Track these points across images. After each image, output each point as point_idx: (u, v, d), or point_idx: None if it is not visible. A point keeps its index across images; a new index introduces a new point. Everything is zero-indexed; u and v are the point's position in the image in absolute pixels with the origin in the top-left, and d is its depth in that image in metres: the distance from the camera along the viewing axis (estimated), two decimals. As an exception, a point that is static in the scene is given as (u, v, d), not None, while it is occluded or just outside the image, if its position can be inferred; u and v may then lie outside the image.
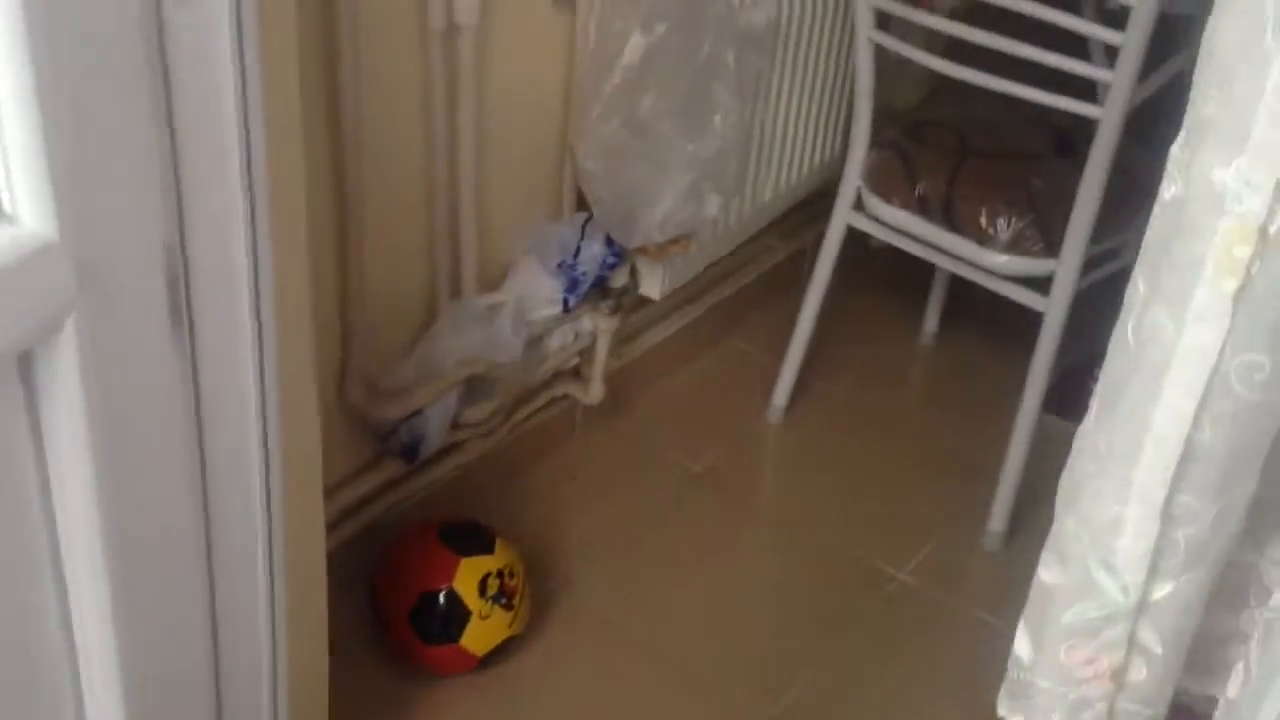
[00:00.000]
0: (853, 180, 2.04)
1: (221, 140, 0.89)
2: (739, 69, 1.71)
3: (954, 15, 1.86)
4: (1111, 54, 1.70)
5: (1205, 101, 0.87)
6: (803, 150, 2.20)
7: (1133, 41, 1.65)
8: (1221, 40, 0.85)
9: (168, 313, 0.90)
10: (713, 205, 1.71)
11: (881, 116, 2.01)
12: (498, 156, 1.77)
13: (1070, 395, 2.10)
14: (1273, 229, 0.85)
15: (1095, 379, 1.04)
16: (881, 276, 2.42)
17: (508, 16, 1.68)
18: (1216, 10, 0.86)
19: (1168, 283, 0.92)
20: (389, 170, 1.65)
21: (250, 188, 0.93)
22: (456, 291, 1.83)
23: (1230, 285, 0.87)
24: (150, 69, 0.82)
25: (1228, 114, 0.85)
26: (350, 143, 1.55)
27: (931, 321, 2.44)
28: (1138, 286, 0.97)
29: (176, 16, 0.82)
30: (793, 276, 2.44)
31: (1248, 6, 0.82)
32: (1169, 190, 0.92)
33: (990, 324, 2.31)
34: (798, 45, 2.06)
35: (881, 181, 2.00)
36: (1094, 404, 1.03)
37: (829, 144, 2.28)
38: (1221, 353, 0.90)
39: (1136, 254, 2.08)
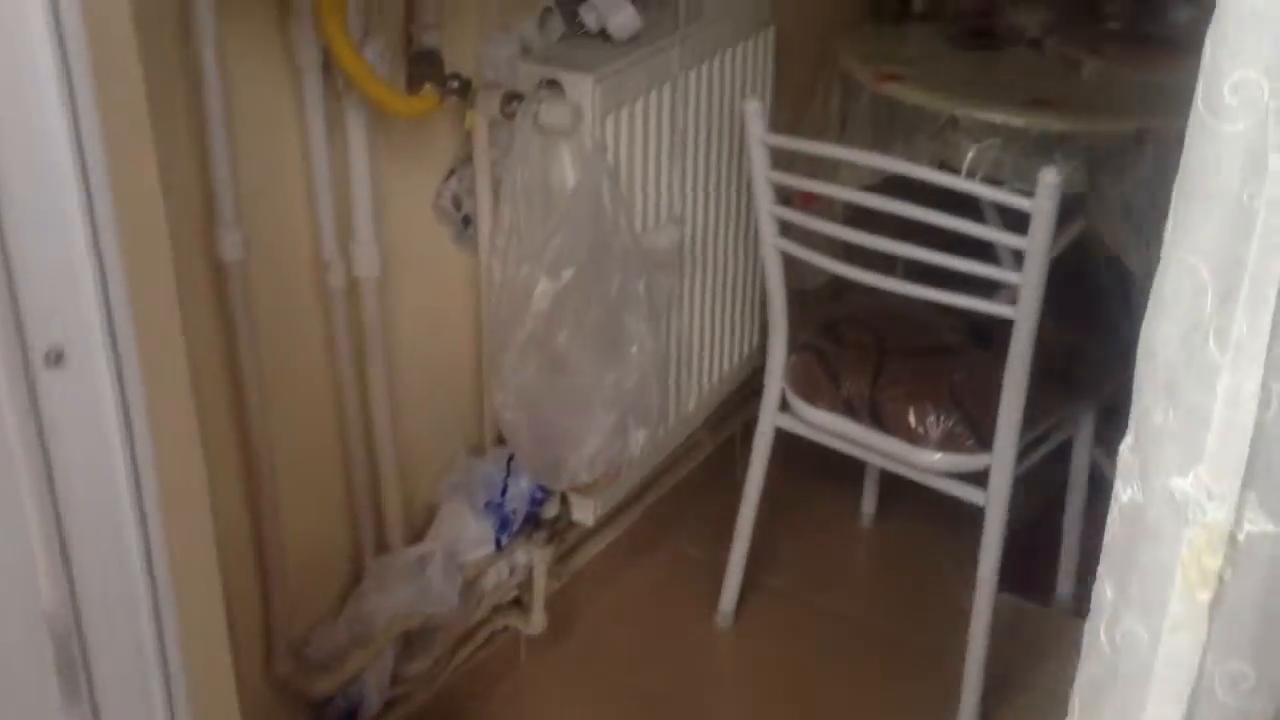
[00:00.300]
0: (775, 384, 2.03)
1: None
2: (650, 295, 1.70)
3: (854, 220, 1.87)
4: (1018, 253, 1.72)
5: (1154, 408, 0.84)
6: (722, 353, 2.19)
7: (1037, 246, 1.66)
8: (1163, 345, 0.82)
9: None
10: (639, 440, 1.68)
11: (794, 300, 2.01)
12: (413, 400, 1.74)
13: (1022, 567, 2.07)
14: (1241, 536, 0.82)
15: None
16: (814, 462, 2.39)
17: (410, 261, 1.66)
18: (1153, 311, 0.84)
19: (1137, 590, 0.88)
20: (300, 432, 1.61)
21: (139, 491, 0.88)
22: (383, 543, 1.77)
23: (1204, 596, 0.83)
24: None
25: (1180, 424, 0.82)
26: (256, 428, 1.51)
27: (869, 504, 2.42)
28: (1105, 589, 0.93)
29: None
30: (725, 466, 2.41)
31: (1186, 312, 0.80)
32: (1125, 493, 0.89)
33: (927, 502, 2.28)
34: (705, 255, 2.07)
35: (804, 385, 1.98)
36: (1074, 702, 0.99)
37: (746, 341, 2.28)
38: (1203, 662, 0.86)
39: (1071, 430, 2.10)
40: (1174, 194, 0.80)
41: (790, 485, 2.36)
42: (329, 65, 1.44)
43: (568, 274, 1.52)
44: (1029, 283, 1.70)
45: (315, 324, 1.59)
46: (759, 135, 1.83)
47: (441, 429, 1.81)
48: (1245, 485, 0.82)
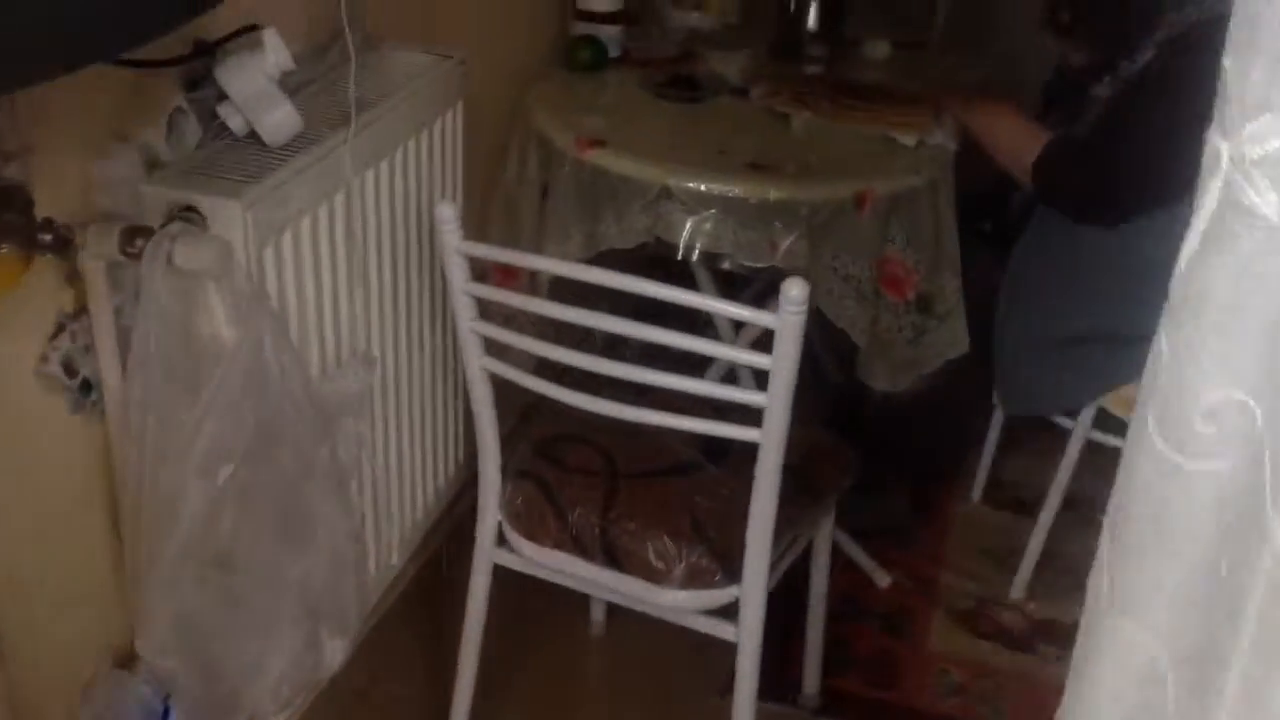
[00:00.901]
0: (491, 517, 1.75)
1: None
2: (337, 459, 1.39)
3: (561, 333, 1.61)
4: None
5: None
6: (426, 483, 1.90)
7: (783, 365, 1.46)
8: None
9: None
10: (335, 651, 1.37)
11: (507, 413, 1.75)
12: (29, 615, 1.35)
13: (764, 666, 1.89)
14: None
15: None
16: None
17: (6, 451, 1.28)
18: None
19: None
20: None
21: None
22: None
23: None
24: None
25: None
26: None
27: (598, 610, 2.19)
28: None
29: None
30: (432, 588, 2.11)
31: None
32: None
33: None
34: (399, 381, 1.76)
35: (524, 520, 1.72)
36: None
37: (453, 458, 1.99)
38: None
39: (812, 531, 1.93)
40: (1108, 532, 0.58)
41: (508, 595, 2.09)
42: None
43: (226, 471, 1.19)
44: (775, 405, 1.50)
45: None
46: (454, 245, 1.54)
47: (72, 641, 1.43)
48: None
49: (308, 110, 1.45)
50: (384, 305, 1.65)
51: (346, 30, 1.47)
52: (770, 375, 1.47)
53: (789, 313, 1.42)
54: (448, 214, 1.53)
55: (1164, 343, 0.54)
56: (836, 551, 2.13)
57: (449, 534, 2.14)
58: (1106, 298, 2.17)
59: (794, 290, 1.41)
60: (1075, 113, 2.22)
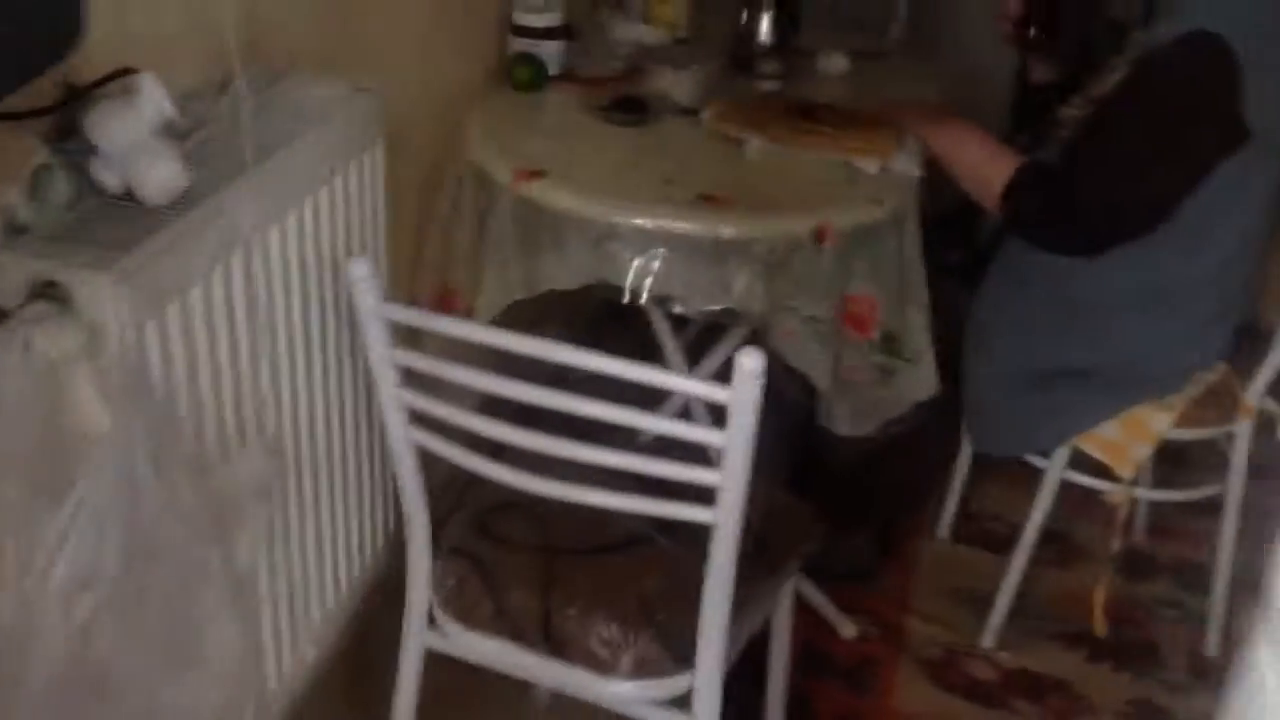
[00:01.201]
0: (421, 598, 1.59)
1: None
2: (233, 559, 1.22)
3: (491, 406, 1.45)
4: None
5: None
6: (348, 563, 1.73)
7: (738, 442, 1.31)
8: None
9: None
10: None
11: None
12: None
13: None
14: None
15: None
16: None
17: None
18: None
19: None
20: None
21: None
22: None
23: None
24: None
25: None
26: None
27: (543, 689, 2.02)
28: None
29: None
30: (358, 673, 1.93)
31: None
32: None
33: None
34: (314, 454, 1.59)
35: (457, 601, 1.56)
36: None
37: (379, 533, 1.82)
38: None
39: (772, 606, 1.79)
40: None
41: (441, 671, 1.91)
42: None
43: (97, 591, 1.03)
44: (729, 484, 1.35)
45: None
46: (370, 306, 1.37)
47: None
48: None
49: (197, 161, 1.28)
50: (296, 376, 1.48)
51: (236, 66, 1.29)
52: (724, 452, 1.32)
53: (744, 387, 1.26)
54: (363, 272, 1.36)
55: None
56: (799, 600, 1.99)
57: (377, 613, 1.96)
58: (1079, 334, 2.04)
59: (749, 362, 1.25)
60: (1044, 134, 2.08)
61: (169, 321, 1.20)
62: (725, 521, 1.38)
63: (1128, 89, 1.89)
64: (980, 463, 2.43)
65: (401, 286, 2.04)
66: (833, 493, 2.30)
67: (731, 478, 1.34)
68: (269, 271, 1.37)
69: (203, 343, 1.26)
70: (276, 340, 1.41)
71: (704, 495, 1.37)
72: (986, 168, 1.99)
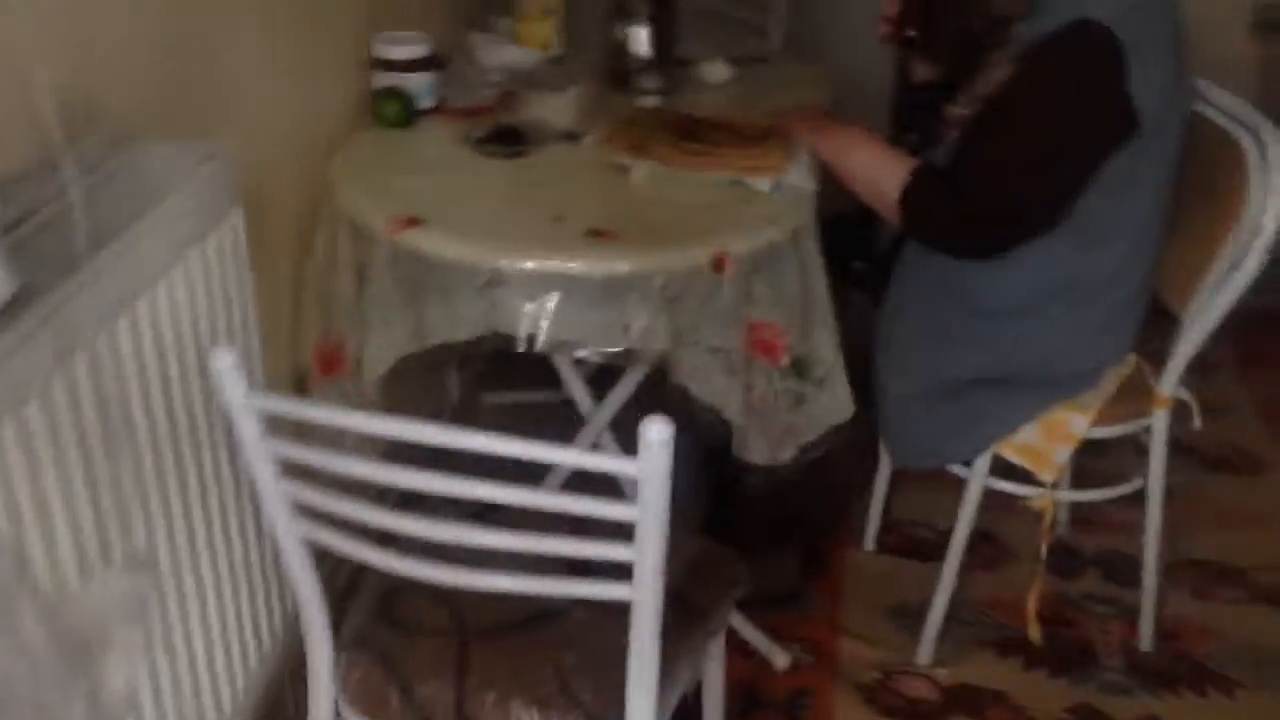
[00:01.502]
0: (325, 697, 1.47)
1: None
2: (98, 703, 1.09)
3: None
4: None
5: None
6: (239, 668, 1.60)
7: (651, 516, 1.21)
8: None
9: None
10: None
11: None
12: None
13: None
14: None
15: None
16: None
17: None
18: None
19: None
20: None
21: None
22: None
23: None
24: None
25: None
26: None
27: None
28: None
29: None
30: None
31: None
32: None
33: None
34: (196, 566, 1.46)
35: (364, 698, 1.44)
36: None
37: (268, 631, 1.70)
38: None
39: (702, 665, 1.69)
40: None
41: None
42: None
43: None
44: (645, 560, 1.25)
45: None
46: (238, 399, 1.25)
47: None
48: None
49: (23, 258, 1.14)
50: (166, 477, 1.35)
51: (59, 141, 1.16)
52: (636, 527, 1.22)
53: (650, 458, 1.17)
54: (227, 364, 1.23)
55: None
56: (729, 634, 1.90)
57: (285, 700, 1.84)
58: (990, 339, 1.98)
59: (654, 432, 1.15)
60: (933, 134, 2.02)
61: (6, 448, 1.07)
62: (644, 597, 1.28)
63: (1015, 85, 1.84)
64: (900, 470, 2.38)
65: (282, 354, 1.91)
66: (753, 520, 2.22)
67: (646, 552, 1.24)
68: (120, 369, 1.24)
69: (46, 461, 1.13)
70: (137, 444, 1.28)
71: (619, 569, 1.28)
72: (878, 172, 1.93)
